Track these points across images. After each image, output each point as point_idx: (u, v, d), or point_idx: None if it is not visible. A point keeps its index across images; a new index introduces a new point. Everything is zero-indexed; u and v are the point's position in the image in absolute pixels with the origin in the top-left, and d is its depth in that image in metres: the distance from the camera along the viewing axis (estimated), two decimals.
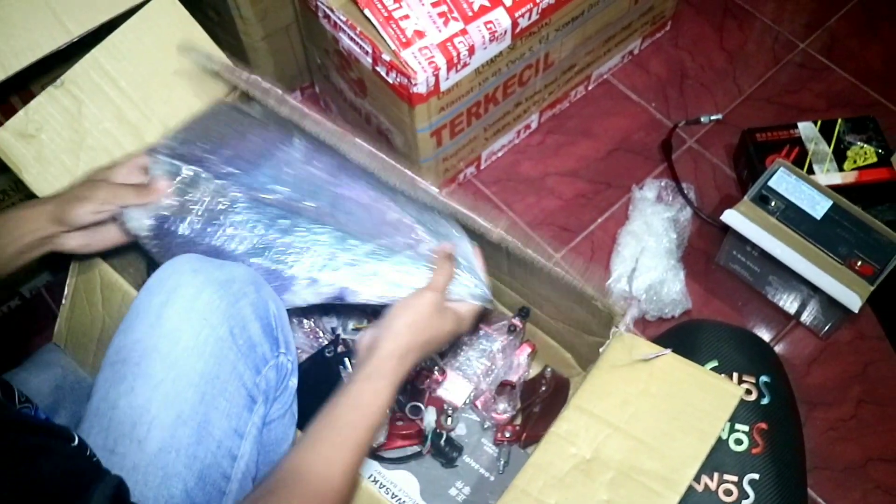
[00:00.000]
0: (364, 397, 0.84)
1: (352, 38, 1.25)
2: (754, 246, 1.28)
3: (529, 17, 1.26)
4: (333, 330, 1.20)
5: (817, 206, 1.29)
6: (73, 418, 1.03)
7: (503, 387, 1.19)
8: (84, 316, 1.09)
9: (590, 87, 1.62)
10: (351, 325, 1.21)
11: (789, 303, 1.37)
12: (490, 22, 1.22)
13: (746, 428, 1.14)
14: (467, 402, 1.20)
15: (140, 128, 1.11)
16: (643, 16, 1.56)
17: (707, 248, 1.44)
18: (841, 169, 1.40)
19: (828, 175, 1.39)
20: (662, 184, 1.47)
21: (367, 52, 1.24)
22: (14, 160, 1.06)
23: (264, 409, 0.89)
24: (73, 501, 0.62)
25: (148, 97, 1.12)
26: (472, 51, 1.22)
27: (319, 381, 1.10)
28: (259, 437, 0.89)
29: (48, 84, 1.08)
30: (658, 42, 1.68)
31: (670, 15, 1.66)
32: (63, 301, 1.10)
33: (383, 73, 1.24)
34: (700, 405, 0.92)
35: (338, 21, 1.25)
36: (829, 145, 1.42)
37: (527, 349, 1.24)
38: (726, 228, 1.30)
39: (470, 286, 0.98)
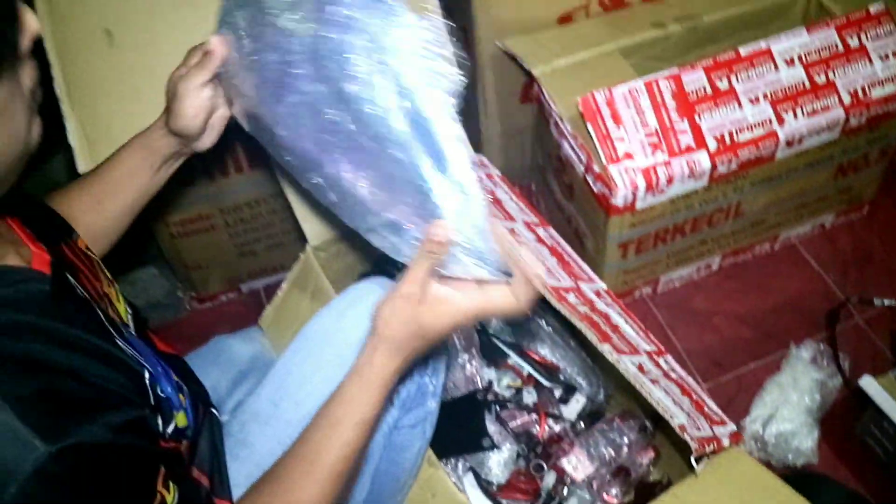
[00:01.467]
0: (350, 393, 0.85)
1: (572, 147, 1.45)
2: (892, 423, 1.35)
3: (728, 166, 1.42)
4: (489, 381, 1.37)
5: None
6: (255, 386, 1.22)
7: (620, 471, 1.31)
8: (291, 309, 1.32)
9: (775, 247, 1.74)
10: (506, 381, 1.37)
11: None
12: (692, 161, 1.39)
13: None
14: (585, 479, 1.33)
15: None
16: (841, 193, 1.68)
17: (848, 418, 1.51)
18: None
19: None
20: (821, 348, 1.56)
21: (581, 161, 1.43)
22: None
23: (398, 413, 1.05)
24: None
25: None
26: (670, 181, 1.39)
27: (466, 415, 1.28)
28: (388, 435, 1.04)
29: None
30: (851, 221, 1.79)
31: (868, 199, 1.77)
32: (278, 292, 1.33)
33: (591, 182, 1.43)
34: None
35: (564, 130, 1.46)
36: None
37: (651, 453, 1.36)
38: (868, 402, 1.38)
39: (467, 264, 0.80)
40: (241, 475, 0.97)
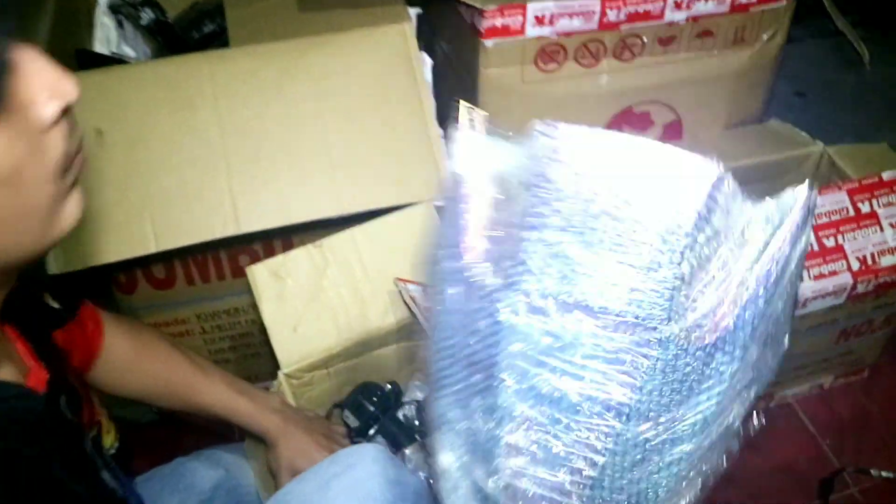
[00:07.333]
0: None
1: None
2: None
3: None
4: None
5: None
6: None
7: None
8: None
9: (770, 405, 1.68)
10: None
11: None
12: None
13: None
14: None
15: (366, 303, 1.28)
16: (842, 356, 1.63)
17: None
18: None
19: None
20: None
21: None
22: (259, 290, 1.26)
23: None
24: None
25: (382, 283, 1.29)
26: None
27: None
28: None
29: (308, 241, 1.30)
30: (850, 385, 1.73)
31: (870, 364, 1.72)
32: None
33: None
34: None
35: None
36: None
37: None
38: None
39: None
40: None
